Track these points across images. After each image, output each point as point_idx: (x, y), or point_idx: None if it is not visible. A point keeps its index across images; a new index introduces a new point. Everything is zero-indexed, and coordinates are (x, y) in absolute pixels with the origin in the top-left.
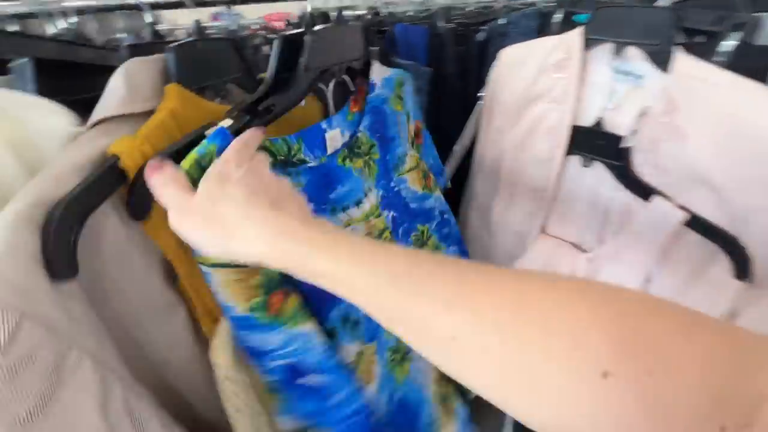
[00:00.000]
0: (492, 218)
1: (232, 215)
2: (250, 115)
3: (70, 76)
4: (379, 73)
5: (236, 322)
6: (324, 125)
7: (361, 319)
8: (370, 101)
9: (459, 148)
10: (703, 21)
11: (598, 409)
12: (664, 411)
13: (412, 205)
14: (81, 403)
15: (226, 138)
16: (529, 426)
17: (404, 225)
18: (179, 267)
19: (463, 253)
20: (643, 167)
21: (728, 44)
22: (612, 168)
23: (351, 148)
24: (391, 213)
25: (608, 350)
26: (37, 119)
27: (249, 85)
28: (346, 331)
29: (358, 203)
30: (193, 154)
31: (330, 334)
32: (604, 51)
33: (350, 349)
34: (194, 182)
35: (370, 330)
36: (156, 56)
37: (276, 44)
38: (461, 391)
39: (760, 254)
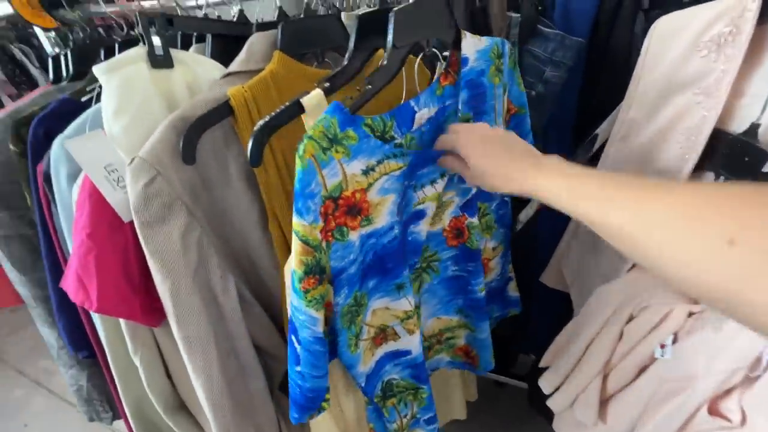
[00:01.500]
0: None
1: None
2: (330, 85)
3: (232, 43)
4: (471, 45)
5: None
6: (413, 103)
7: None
8: (464, 75)
9: (598, 138)
10: None
11: (727, 273)
12: None
13: None
14: (173, 228)
15: (342, 111)
16: (676, 282)
17: (466, 194)
18: (264, 184)
19: (506, 238)
20: None
21: None
22: None
23: (443, 123)
24: (463, 186)
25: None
26: (204, 72)
27: (362, 54)
28: (411, 287)
29: (432, 182)
30: (320, 127)
31: (400, 287)
32: None
33: (411, 300)
34: (323, 149)
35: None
36: (273, 30)
37: (354, 23)
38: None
39: None
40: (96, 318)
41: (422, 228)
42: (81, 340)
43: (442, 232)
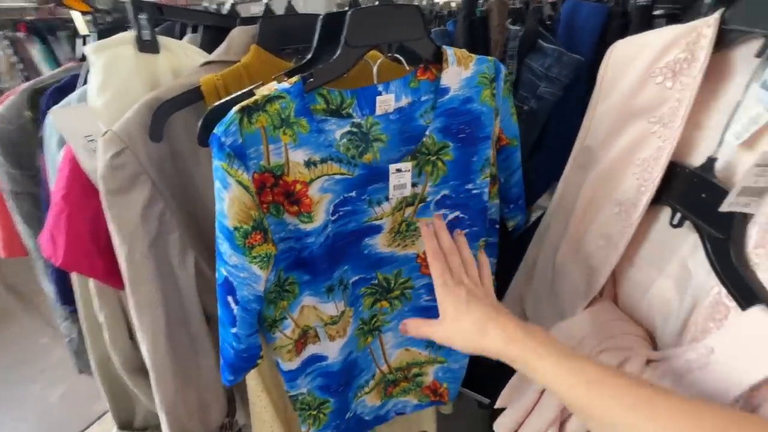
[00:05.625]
0: (555, 262)
1: (487, 322)
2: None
3: (223, 34)
4: (455, 75)
5: (220, 228)
6: (380, 88)
7: (349, 286)
8: (441, 105)
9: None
10: None
11: None
12: None
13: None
14: (136, 199)
15: (302, 98)
16: None
17: (461, 226)
18: None
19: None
20: (757, 252)
21: None
22: (709, 241)
23: (415, 152)
24: (456, 213)
25: None
26: (189, 59)
27: (329, 52)
28: (339, 291)
29: (388, 198)
30: (276, 105)
31: (330, 289)
32: (749, 52)
33: (339, 305)
34: (274, 127)
35: (352, 297)
36: (254, 25)
37: (319, 22)
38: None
39: None
40: (72, 275)
41: (378, 242)
42: (69, 294)
43: (416, 257)
